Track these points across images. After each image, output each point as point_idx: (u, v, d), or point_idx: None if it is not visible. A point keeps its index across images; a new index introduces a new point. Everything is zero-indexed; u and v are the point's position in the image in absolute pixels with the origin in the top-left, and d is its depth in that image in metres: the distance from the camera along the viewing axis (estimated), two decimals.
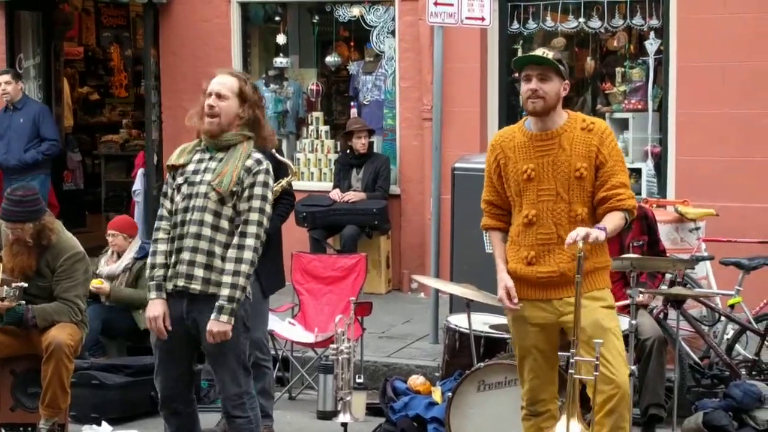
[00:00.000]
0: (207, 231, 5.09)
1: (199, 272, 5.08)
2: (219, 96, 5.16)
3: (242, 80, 5.26)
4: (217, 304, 5.01)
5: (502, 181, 5.09)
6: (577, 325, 4.79)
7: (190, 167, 5.20)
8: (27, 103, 10.35)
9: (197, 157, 5.23)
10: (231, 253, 5.06)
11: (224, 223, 5.11)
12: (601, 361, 4.84)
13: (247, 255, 5.05)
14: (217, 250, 5.09)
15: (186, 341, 5.20)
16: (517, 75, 10.02)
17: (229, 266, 5.05)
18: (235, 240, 5.08)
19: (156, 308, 5.12)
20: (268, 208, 5.13)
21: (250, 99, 5.22)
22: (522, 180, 4.98)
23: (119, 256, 8.13)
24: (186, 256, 5.10)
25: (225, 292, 5.03)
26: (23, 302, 6.45)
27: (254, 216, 5.09)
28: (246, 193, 5.10)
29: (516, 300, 4.96)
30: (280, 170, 6.46)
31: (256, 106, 5.26)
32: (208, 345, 5.09)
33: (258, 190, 5.11)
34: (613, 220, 4.90)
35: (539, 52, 5.04)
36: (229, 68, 5.39)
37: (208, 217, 5.10)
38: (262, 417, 6.43)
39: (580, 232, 4.74)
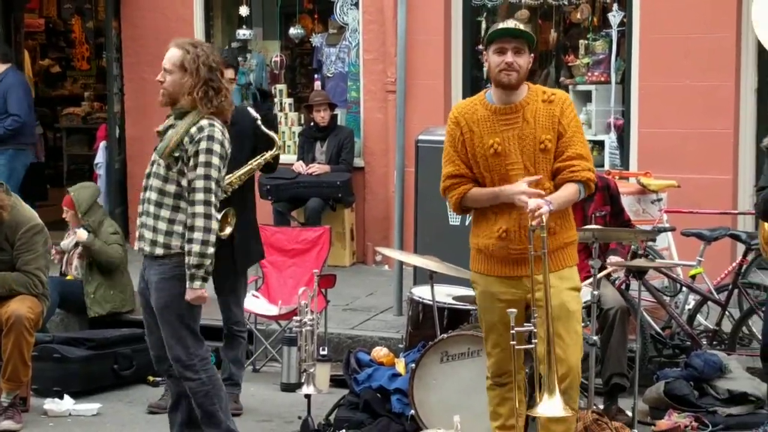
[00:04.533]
0: (154, 195, 5.29)
1: (148, 234, 5.33)
2: (165, 70, 5.34)
3: (185, 50, 5.32)
4: (188, 273, 5.20)
5: (468, 154, 5.03)
6: (548, 303, 4.77)
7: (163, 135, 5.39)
8: (6, 76, 10.20)
9: (170, 125, 5.40)
10: (189, 223, 5.21)
11: (170, 188, 5.26)
12: (558, 343, 4.85)
13: (199, 222, 5.18)
14: (164, 213, 5.27)
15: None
16: (481, 47, 10.05)
17: (188, 235, 5.20)
18: (189, 210, 5.21)
19: None
20: (213, 173, 5.22)
21: (190, 68, 5.27)
22: (489, 155, 4.93)
23: None
24: (143, 219, 5.34)
25: (188, 260, 5.20)
26: None
27: (199, 183, 5.20)
28: (191, 162, 5.22)
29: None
30: (266, 143, 6.47)
31: (207, 69, 5.29)
32: (155, 305, 5.32)
33: (201, 158, 5.21)
34: (563, 194, 4.85)
35: (511, 24, 4.97)
36: (183, 38, 5.45)
37: (157, 182, 5.28)
38: (231, 385, 6.60)
39: (535, 204, 4.70)
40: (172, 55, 5.33)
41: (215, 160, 5.21)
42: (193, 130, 5.22)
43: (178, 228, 5.24)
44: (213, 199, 5.20)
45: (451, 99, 10.00)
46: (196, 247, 5.16)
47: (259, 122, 6.42)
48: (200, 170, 5.18)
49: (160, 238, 5.25)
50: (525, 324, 4.81)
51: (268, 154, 6.44)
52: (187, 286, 5.20)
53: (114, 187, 11.08)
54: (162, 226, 5.25)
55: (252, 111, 6.45)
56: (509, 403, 5.08)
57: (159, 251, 5.26)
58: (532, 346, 4.80)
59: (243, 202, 6.45)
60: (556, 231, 4.92)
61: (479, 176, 5.01)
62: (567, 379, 4.92)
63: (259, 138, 6.46)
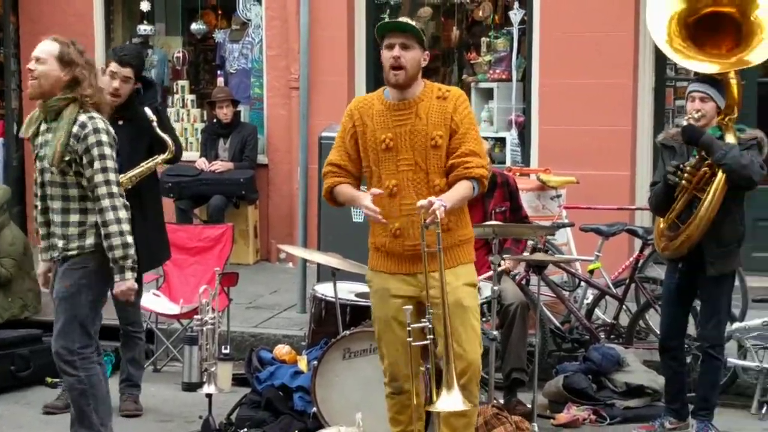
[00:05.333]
0: (58, 204, 5.27)
1: (60, 243, 5.28)
2: (37, 60, 5.26)
3: (65, 45, 5.30)
4: (115, 267, 5.21)
5: (357, 147, 5.05)
6: (444, 299, 4.78)
7: (39, 140, 5.35)
8: None
9: (42, 127, 5.35)
10: (100, 220, 5.19)
11: (72, 192, 5.25)
12: (456, 338, 4.87)
13: (109, 216, 5.18)
14: (72, 218, 5.26)
15: None
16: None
17: (104, 232, 5.19)
18: (96, 207, 5.20)
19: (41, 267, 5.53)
20: (109, 164, 5.20)
21: (71, 61, 5.25)
22: (380, 150, 4.96)
23: None
24: (51, 229, 5.32)
25: (112, 255, 5.19)
26: None
27: (98, 178, 5.19)
28: (84, 160, 5.19)
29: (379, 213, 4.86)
30: (159, 147, 6.42)
31: (80, 66, 5.27)
32: (56, 294, 5.29)
33: (94, 152, 5.18)
34: (457, 192, 4.87)
35: (402, 19, 5.04)
36: (56, 35, 5.39)
37: (56, 191, 5.27)
38: (130, 386, 6.53)
39: (430, 203, 4.72)
40: (49, 47, 5.26)
41: (107, 150, 5.20)
42: (75, 129, 5.18)
43: (91, 229, 5.23)
44: (115, 189, 5.21)
45: (354, 95, 9.98)
46: (116, 241, 5.17)
47: (155, 124, 6.36)
48: (96, 164, 5.17)
49: (74, 243, 5.24)
50: (420, 321, 4.83)
51: (160, 158, 6.42)
52: (117, 279, 5.21)
53: (13, 184, 10.85)
54: (73, 231, 5.24)
55: (148, 112, 6.38)
56: (408, 411, 5.09)
57: (73, 252, 5.24)
58: (427, 342, 4.82)
59: (140, 202, 6.38)
60: (450, 228, 4.95)
61: (368, 171, 5.03)
62: (466, 375, 4.94)
63: (155, 139, 6.41)
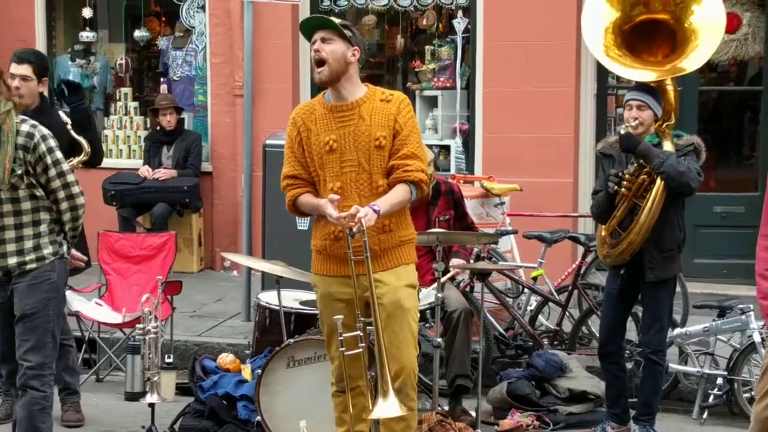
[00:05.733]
0: (10, 220, 5.15)
1: (12, 261, 5.16)
2: None
3: None
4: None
5: (305, 154, 5.05)
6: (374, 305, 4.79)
7: None
8: None
9: None
10: (58, 217, 5.23)
11: (25, 205, 5.15)
12: (392, 340, 4.88)
13: (67, 216, 5.21)
14: (26, 231, 5.17)
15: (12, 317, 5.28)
16: None
17: (64, 227, 5.24)
18: (56, 211, 5.20)
19: None
20: (64, 166, 5.21)
21: None
22: (324, 152, 4.95)
23: None
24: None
25: (69, 236, 5.29)
26: None
27: (57, 183, 5.16)
28: (39, 169, 5.13)
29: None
30: (75, 149, 6.41)
31: None
32: (23, 310, 5.17)
33: (48, 160, 5.13)
34: (393, 196, 4.88)
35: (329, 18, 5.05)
36: None
37: (8, 207, 5.15)
38: (69, 394, 6.49)
39: (358, 212, 4.74)
40: None
41: (59, 154, 5.18)
42: (22, 140, 5.09)
43: (44, 238, 5.18)
44: (75, 189, 5.21)
45: (299, 102, 9.95)
46: (72, 233, 5.27)
47: (69, 126, 6.35)
48: (52, 171, 5.13)
49: (30, 255, 5.16)
50: (357, 327, 4.84)
51: (75, 160, 6.40)
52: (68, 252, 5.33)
53: None
54: (29, 244, 5.16)
55: (63, 115, 6.41)
56: (354, 410, 5.09)
57: (31, 266, 5.17)
58: (360, 351, 4.82)
59: None
60: (392, 229, 4.95)
61: (315, 174, 5.02)
62: (401, 377, 4.93)
63: (73, 142, 6.39)
